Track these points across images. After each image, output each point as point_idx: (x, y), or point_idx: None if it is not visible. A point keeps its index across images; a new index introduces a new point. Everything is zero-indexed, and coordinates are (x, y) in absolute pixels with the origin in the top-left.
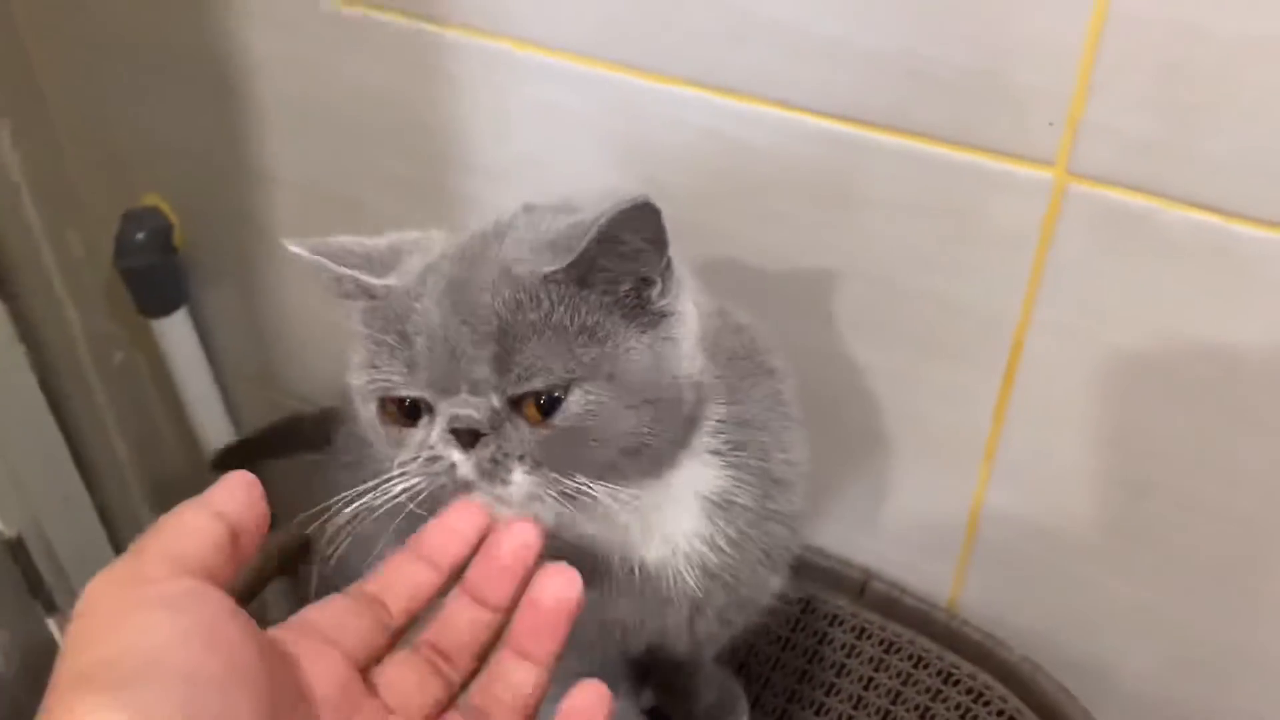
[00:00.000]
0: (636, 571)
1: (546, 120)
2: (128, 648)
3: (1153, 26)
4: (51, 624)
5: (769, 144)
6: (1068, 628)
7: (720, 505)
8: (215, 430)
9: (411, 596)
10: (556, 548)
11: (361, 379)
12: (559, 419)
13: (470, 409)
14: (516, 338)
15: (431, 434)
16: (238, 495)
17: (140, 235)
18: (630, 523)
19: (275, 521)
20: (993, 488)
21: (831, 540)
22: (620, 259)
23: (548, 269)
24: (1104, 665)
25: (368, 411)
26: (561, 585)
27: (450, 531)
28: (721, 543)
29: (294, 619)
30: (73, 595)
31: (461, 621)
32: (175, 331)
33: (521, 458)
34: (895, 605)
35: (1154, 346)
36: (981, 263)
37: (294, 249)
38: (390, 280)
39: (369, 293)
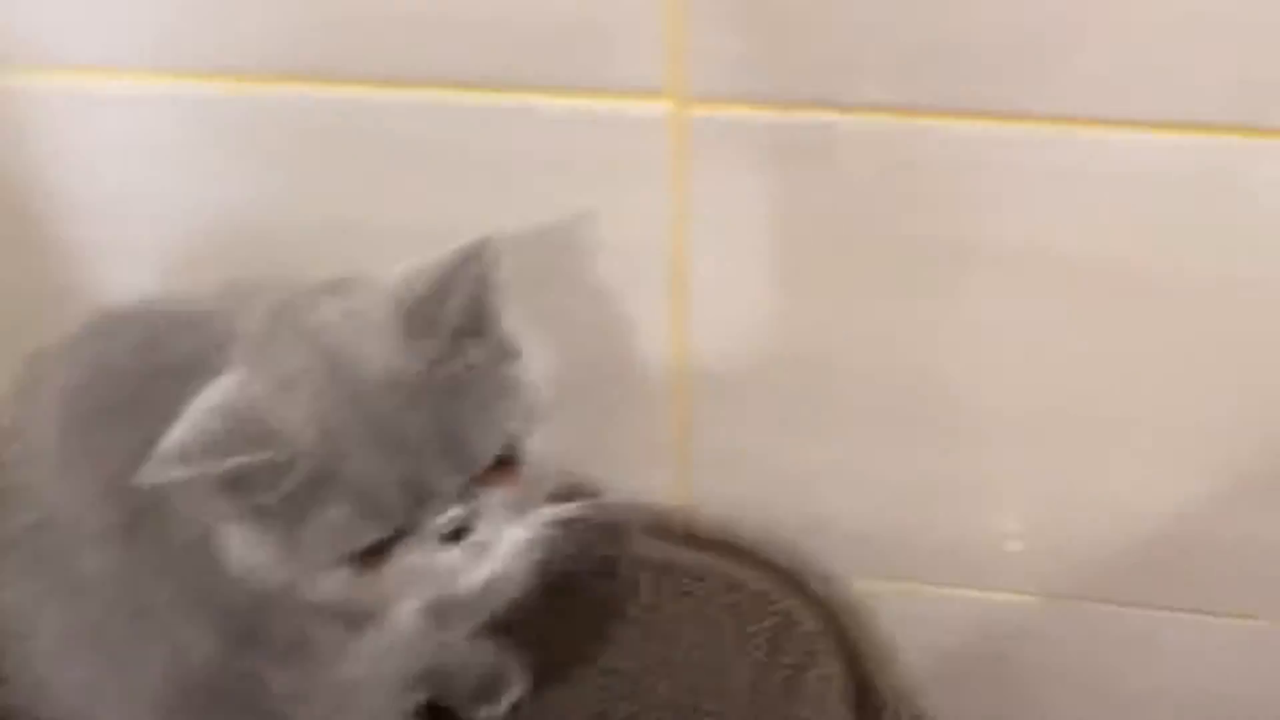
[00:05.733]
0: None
1: (130, 147)
2: None
3: None
4: None
5: (377, 126)
6: (788, 503)
7: None
8: None
9: None
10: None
11: (306, 558)
12: (526, 466)
13: (452, 511)
14: (459, 431)
15: (410, 556)
16: None
17: None
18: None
19: None
20: (695, 398)
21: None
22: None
23: (431, 357)
24: (824, 520)
25: (323, 582)
26: None
27: None
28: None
29: None
30: None
31: None
32: None
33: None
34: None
35: (813, 237)
36: (625, 203)
37: (173, 472)
38: (286, 453)
39: (270, 479)
